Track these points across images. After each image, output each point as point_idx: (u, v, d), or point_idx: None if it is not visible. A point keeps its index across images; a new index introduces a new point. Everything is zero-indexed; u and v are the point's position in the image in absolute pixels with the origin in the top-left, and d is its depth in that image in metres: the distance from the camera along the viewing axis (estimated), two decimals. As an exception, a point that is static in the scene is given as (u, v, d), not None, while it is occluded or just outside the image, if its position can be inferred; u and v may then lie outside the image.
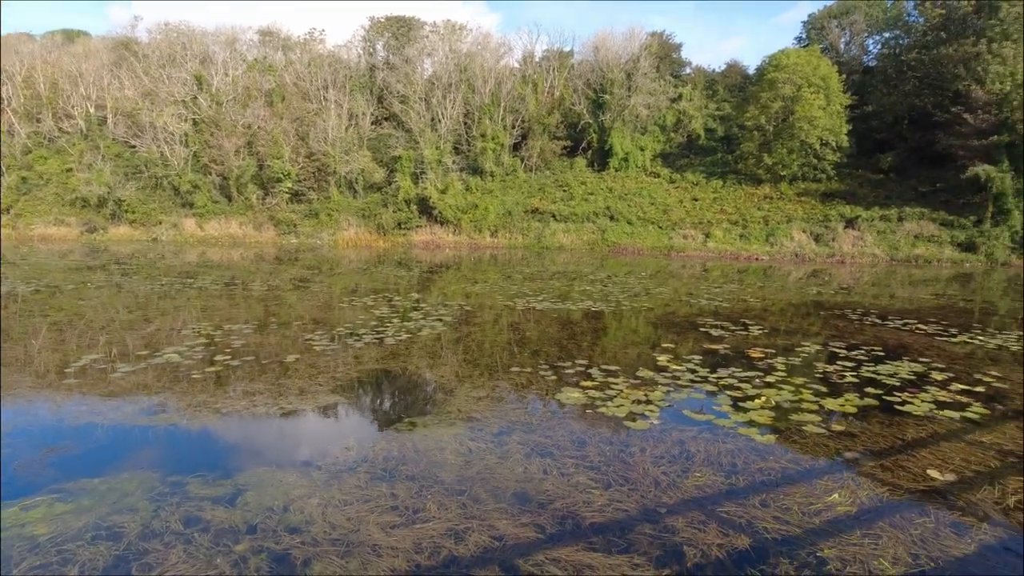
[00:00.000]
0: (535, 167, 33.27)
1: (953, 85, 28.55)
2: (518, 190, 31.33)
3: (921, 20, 34.06)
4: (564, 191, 30.89)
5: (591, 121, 33.48)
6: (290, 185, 31.30)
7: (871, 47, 39.89)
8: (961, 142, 27.15)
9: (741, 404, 5.64)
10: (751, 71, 37.78)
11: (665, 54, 38.00)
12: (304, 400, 5.75)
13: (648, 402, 5.66)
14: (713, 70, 40.68)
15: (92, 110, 35.41)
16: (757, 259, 24.43)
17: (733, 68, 40.15)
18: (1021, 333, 9.47)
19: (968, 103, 26.96)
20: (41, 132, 35.86)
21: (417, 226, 29.46)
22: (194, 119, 32.69)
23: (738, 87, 37.53)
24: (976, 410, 5.56)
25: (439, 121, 32.61)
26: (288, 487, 3.93)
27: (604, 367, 6.92)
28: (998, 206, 25.46)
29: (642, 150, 33.16)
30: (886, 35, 37.98)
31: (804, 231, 26.32)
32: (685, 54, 50.80)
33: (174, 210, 31.14)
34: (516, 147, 33.77)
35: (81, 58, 36.38)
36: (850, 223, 26.49)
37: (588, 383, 6.25)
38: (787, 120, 29.10)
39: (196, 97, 33.18)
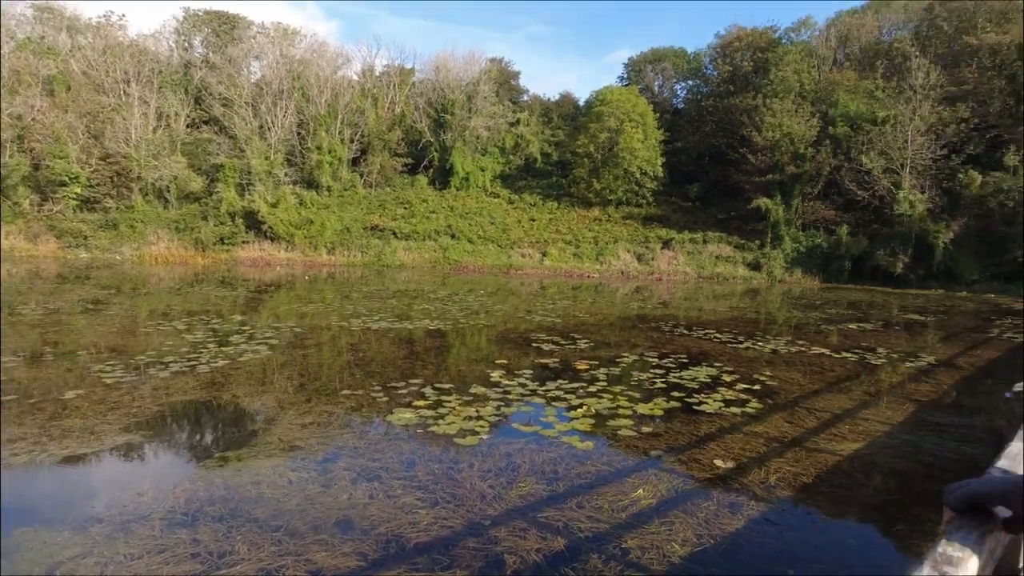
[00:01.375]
0: (375, 183, 32.63)
1: (740, 130, 33.78)
2: (357, 206, 30.42)
3: (715, 73, 39.98)
4: (405, 208, 30.68)
5: (432, 140, 33.81)
6: (79, 190, 26.97)
7: (679, 92, 45.80)
8: (747, 178, 32.17)
9: (565, 414, 6.01)
10: (582, 103, 41.13)
11: (504, 80, 39.85)
12: (86, 443, 4.93)
13: (479, 418, 5.77)
14: (548, 99, 43.58)
15: None
16: (589, 276, 26.40)
17: (566, 99, 43.38)
18: (789, 338, 11.39)
19: (751, 146, 32.08)
20: None
21: (243, 242, 27.09)
22: (-56, 105, 26.84)
23: (571, 116, 40.60)
24: (753, 405, 6.53)
25: (269, 129, 30.55)
26: (56, 548, 3.31)
27: (438, 386, 6.93)
28: (775, 232, 30.52)
29: (483, 170, 34.24)
30: (690, 83, 43.92)
31: (629, 251, 29.08)
32: (523, 82, 53.83)
33: (-86, 216, 25.10)
34: (355, 162, 32.86)
35: None
36: (666, 244, 29.87)
37: (421, 402, 6.21)
38: (612, 150, 32.10)
39: (-54, 79, 27.32)
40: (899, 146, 29.02)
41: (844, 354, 9.78)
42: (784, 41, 36.85)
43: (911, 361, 9.47)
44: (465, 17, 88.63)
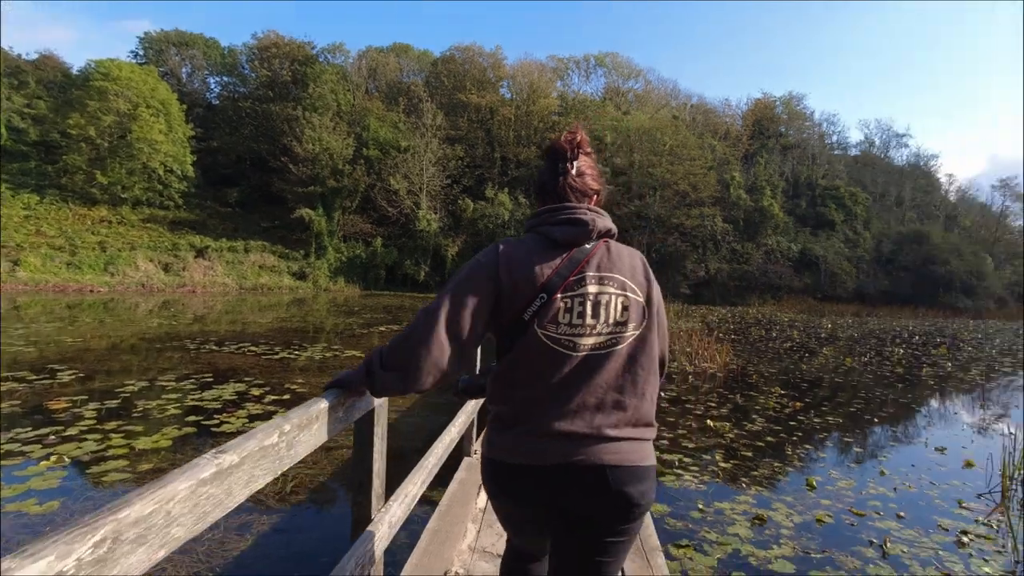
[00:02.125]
0: None
1: (281, 139, 33.66)
2: None
3: (253, 75, 38.64)
4: None
5: None
6: None
7: (213, 86, 42.27)
8: (290, 188, 32.28)
9: (18, 474, 4.40)
10: (76, 71, 32.97)
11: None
12: None
13: None
14: (21, 56, 33.30)
15: None
16: (93, 291, 21.26)
17: (50, 61, 34.07)
18: (325, 344, 11.75)
19: (292, 156, 32.35)
20: None
21: None
22: None
23: (59, 86, 32.00)
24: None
25: None
26: None
27: None
28: (318, 243, 31.60)
29: (-99, 140, 23.38)
30: (225, 79, 41.11)
31: (151, 260, 24.89)
32: (-19, 29, 39.66)
33: None
34: None
35: None
36: (201, 253, 26.91)
37: None
38: (125, 138, 26.89)
39: None
40: (418, 172, 34.52)
41: (372, 352, 10.70)
42: (321, 60, 38.77)
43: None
44: None
